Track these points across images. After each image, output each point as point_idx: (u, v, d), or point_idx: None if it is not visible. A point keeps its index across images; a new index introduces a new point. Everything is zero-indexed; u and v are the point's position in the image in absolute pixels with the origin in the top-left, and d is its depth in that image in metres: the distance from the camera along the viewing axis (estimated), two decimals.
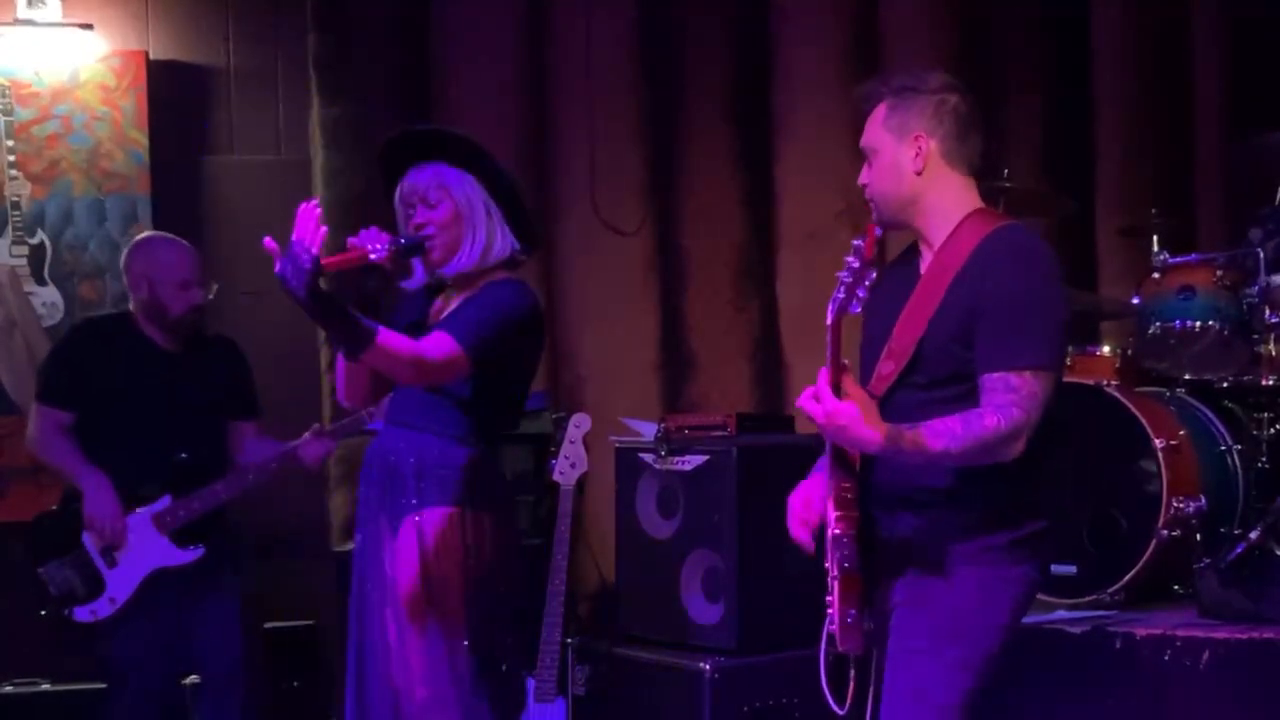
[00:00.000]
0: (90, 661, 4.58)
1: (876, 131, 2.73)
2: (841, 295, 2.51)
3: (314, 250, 2.79)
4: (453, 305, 3.22)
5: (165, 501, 3.88)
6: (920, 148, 2.68)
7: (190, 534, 3.90)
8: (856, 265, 2.49)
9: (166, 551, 3.88)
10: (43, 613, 3.90)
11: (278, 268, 2.81)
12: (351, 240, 3.01)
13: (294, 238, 2.82)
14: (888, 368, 2.66)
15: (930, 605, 2.61)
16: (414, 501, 3.17)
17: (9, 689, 4.53)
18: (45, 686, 4.55)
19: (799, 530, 2.77)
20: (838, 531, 2.60)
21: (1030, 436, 2.51)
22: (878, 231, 2.58)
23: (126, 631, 3.87)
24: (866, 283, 2.50)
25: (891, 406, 2.62)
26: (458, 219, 3.15)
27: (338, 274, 2.98)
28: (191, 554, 3.89)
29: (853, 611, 2.63)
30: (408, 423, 3.23)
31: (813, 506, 2.75)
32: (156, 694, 3.95)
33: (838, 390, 2.52)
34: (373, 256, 2.97)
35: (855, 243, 2.51)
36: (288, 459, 3.96)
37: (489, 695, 3.19)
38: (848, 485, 2.61)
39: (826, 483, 2.66)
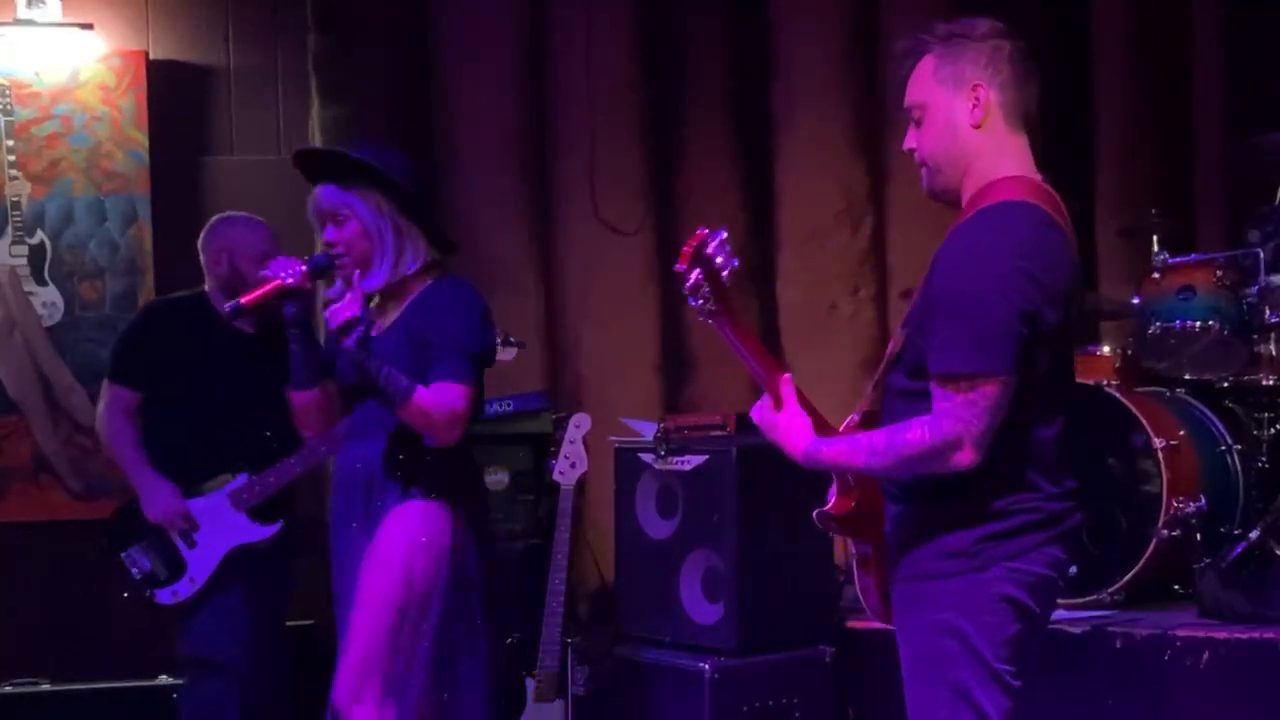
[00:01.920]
0: (90, 660, 4.61)
1: (926, 85, 2.51)
2: (697, 304, 2.46)
3: (355, 313, 3.07)
4: (392, 318, 3.29)
5: (242, 479, 3.87)
6: (979, 98, 2.47)
7: (267, 511, 3.89)
8: (681, 268, 2.43)
9: (246, 528, 3.86)
10: (125, 595, 3.88)
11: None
12: (264, 273, 3.21)
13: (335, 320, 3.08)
14: (890, 348, 2.60)
15: (915, 621, 2.51)
16: (391, 500, 3.22)
17: (9, 689, 4.53)
18: (45, 686, 4.54)
19: None
20: (838, 514, 2.60)
21: (983, 445, 2.34)
22: (716, 235, 2.43)
23: (205, 615, 3.85)
24: (703, 287, 2.44)
25: (886, 390, 2.58)
26: (364, 235, 3.24)
27: (260, 305, 3.19)
28: (270, 529, 3.88)
29: (870, 583, 2.65)
30: (377, 430, 3.26)
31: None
32: (240, 676, 3.88)
33: (777, 400, 2.52)
34: (288, 282, 3.16)
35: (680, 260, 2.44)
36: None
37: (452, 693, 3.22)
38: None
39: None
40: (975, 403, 2.33)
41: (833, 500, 2.62)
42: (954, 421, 2.34)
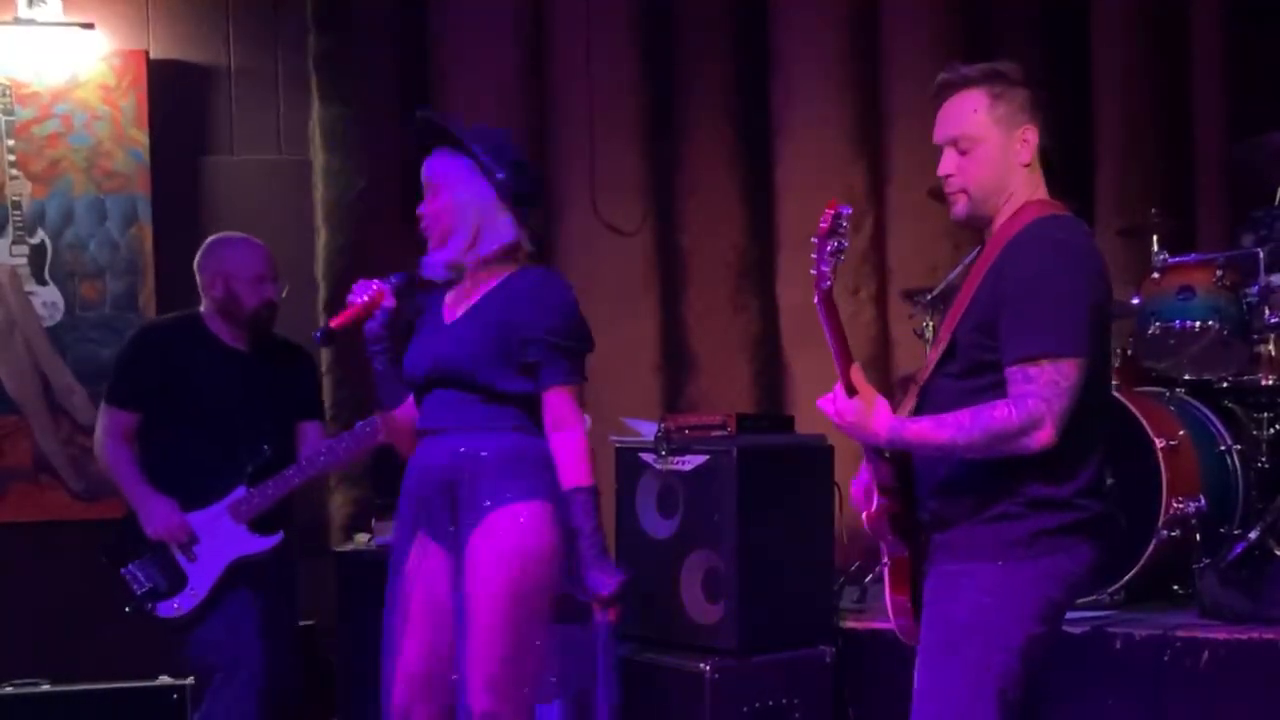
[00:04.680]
0: (90, 660, 4.60)
1: (981, 121, 2.65)
2: (813, 273, 2.55)
3: None
4: (472, 299, 3.19)
5: (240, 491, 3.83)
6: (1028, 139, 2.66)
7: (267, 523, 3.86)
8: (815, 240, 2.53)
9: (245, 540, 3.83)
10: (126, 609, 3.83)
11: None
12: (350, 297, 3.15)
13: None
14: (932, 355, 2.69)
15: (950, 602, 2.59)
16: (488, 502, 3.08)
17: (9, 689, 4.53)
18: (45, 686, 4.54)
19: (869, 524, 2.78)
20: (878, 518, 2.65)
21: (1060, 426, 2.47)
22: (844, 209, 2.54)
23: (210, 624, 3.82)
24: (827, 254, 2.53)
25: (931, 394, 2.66)
26: (450, 209, 3.15)
27: (349, 327, 3.13)
28: (270, 541, 3.84)
29: (903, 600, 2.68)
30: (452, 426, 3.15)
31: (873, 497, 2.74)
32: (251, 686, 3.81)
33: (849, 388, 2.57)
34: (385, 304, 3.13)
35: (820, 224, 2.55)
36: (360, 439, 3.84)
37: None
38: (886, 471, 2.64)
39: (869, 470, 2.68)
40: (1057, 382, 2.47)
41: (878, 504, 2.66)
42: (1037, 400, 2.47)
